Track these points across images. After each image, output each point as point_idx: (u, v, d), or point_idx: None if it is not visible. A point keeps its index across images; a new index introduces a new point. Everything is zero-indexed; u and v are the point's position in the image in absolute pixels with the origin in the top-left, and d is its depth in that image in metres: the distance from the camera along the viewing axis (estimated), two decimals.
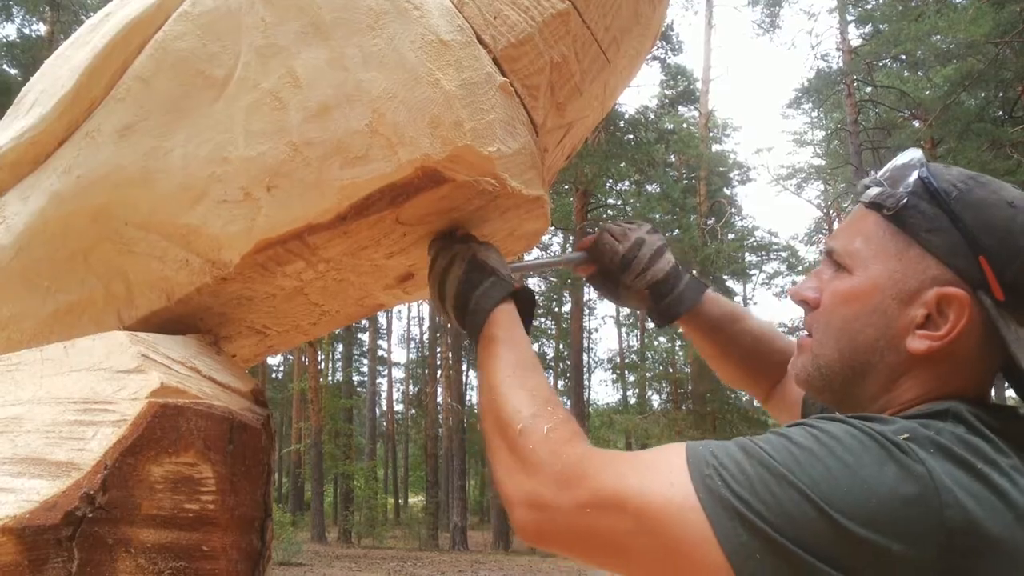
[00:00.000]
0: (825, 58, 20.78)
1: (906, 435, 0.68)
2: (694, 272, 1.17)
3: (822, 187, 27.19)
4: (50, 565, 0.74)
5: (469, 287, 0.95)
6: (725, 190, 23.81)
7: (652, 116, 20.29)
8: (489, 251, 0.98)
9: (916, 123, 17.62)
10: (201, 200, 0.92)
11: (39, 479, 0.76)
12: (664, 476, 0.70)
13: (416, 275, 1.15)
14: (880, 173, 0.83)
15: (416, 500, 46.12)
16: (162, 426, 0.83)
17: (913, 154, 0.81)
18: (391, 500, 38.39)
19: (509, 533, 23.87)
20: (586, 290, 18.24)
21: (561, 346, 28.43)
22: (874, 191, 0.80)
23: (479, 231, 1.08)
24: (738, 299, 25.75)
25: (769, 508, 0.65)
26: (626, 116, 18.61)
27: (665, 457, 0.73)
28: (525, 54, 1.00)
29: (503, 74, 0.98)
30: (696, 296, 1.13)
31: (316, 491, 23.89)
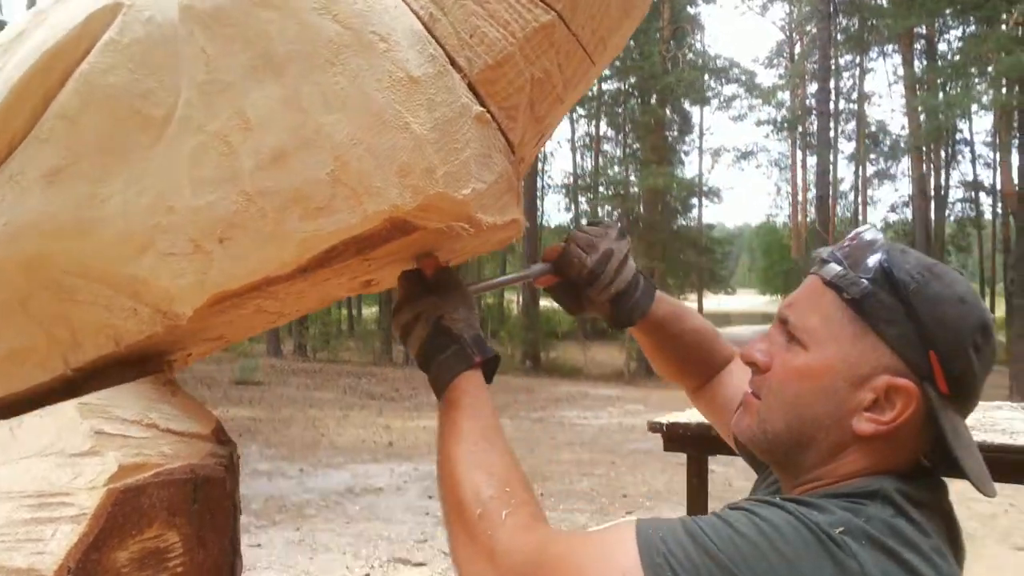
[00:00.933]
0: None
1: (841, 528, 0.71)
2: (645, 275, 1.14)
3: (788, 8, 26.37)
4: None
5: (432, 351, 0.92)
6: (689, 9, 22.92)
7: None
8: (456, 311, 0.93)
9: None
10: (146, 251, 0.84)
11: None
12: (619, 565, 0.72)
13: (380, 283, 1.10)
14: (839, 248, 0.84)
15: (369, 311, 47.10)
16: (124, 512, 0.79)
17: (875, 235, 0.83)
18: (344, 312, 39.15)
19: None
20: None
21: None
22: (834, 270, 0.82)
23: (450, 246, 1.02)
24: (695, 124, 25.55)
25: None
26: None
27: (619, 543, 0.73)
28: (504, 75, 0.90)
29: (479, 100, 0.89)
30: (649, 300, 1.13)
31: None
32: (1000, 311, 29.26)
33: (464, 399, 0.89)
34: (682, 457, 6.97)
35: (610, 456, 7.24)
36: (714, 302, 31.59)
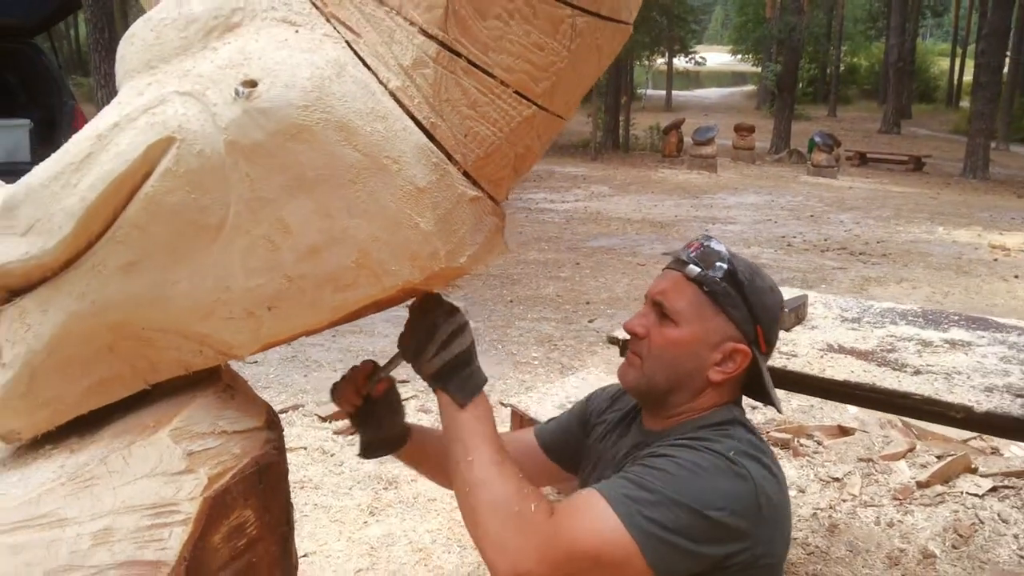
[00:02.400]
0: None
1: (732, 451, 1.08)
2: None
3: None
4: None
5: (461, 362, 1.12)
6: None
7: None
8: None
9: None
10: (210, 317, 1.05)
11: None
12: (605, 523, 1.02)
13: None
14: (693, 252, 1.21)
15: None
16: (215, 510, 1.08)
17: (719, 246, 1.22)
18: None
19: None
20: None
21: None
22: (695, 271, 1.18)
23: None
24: None
25: (671, 522, 1.01)
26: None
27: (600, 508, 1.04)
28: (493, 161, 1.08)
29: (472, 182, 1.07)
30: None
31: None
32: (970, 75, 29.28)
33: (487, 415, 1.12)
34: (641, 258, 7.37)
35: (574, 256, 7.64)
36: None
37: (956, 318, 2.30)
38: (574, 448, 1.41)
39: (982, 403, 1.65)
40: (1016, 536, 2.81)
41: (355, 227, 1.00)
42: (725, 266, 1.18)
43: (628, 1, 1.10)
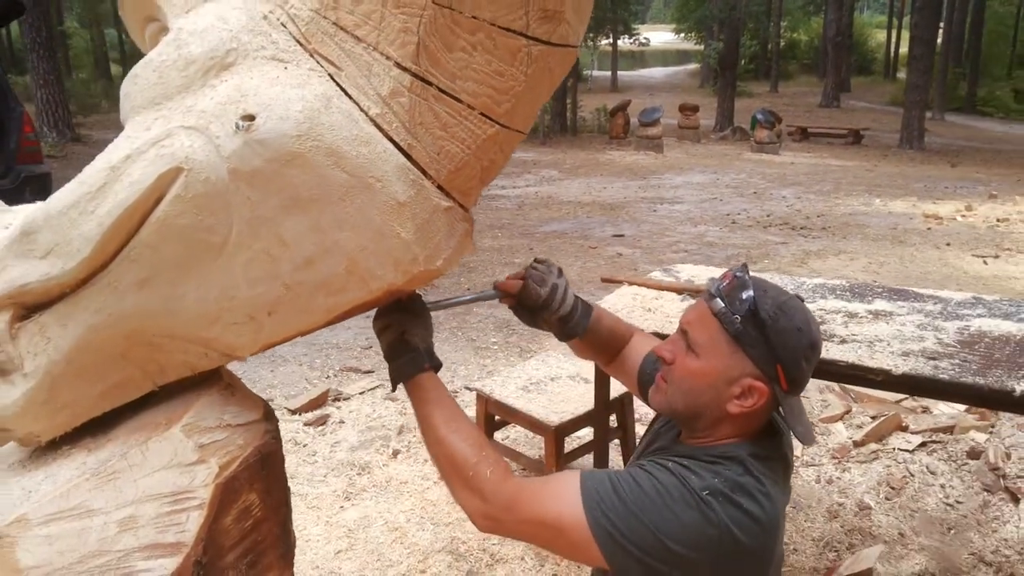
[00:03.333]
0: None
1: (706, 491, 1.15)
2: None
3: None
4: None
5: (393, 354, 1.30)
6: None
7: None
8: (416, 328, 1.31)
9: None
10: (215, 323, 1.18)
11: (163, 558, 1.15)
12: (568, 505, 1.18)
13: None
14: (721, 285, 1.25)
15: None
16: (227, 495, 1.21)
17: (747, 281, 1.24)
18: None
19: None
20: None
21: None
22: (719, 306, 1.23)
23: None
24: None
25: (627, 531, 1.14)
26: None
27: (568, 486, 1.20)
28: (462, 174, 1.22)
29: (445, 194, 1.21)
30: (586, 320, 1.51)
31: None
32: (906, 47, 30.02)
33: (431, 393, 1.29)
34: (592, 241, 7.51)
35: (527, 241, 7.79)
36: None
37: (880, 290, 2.51)
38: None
39: (899, 366, 1.85)
40: (943, 486, 3.06)
41: (345, 239, 1.13)
42: (748, 305, 1.19)
43: (576, 28, 1.24)
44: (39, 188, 6.76)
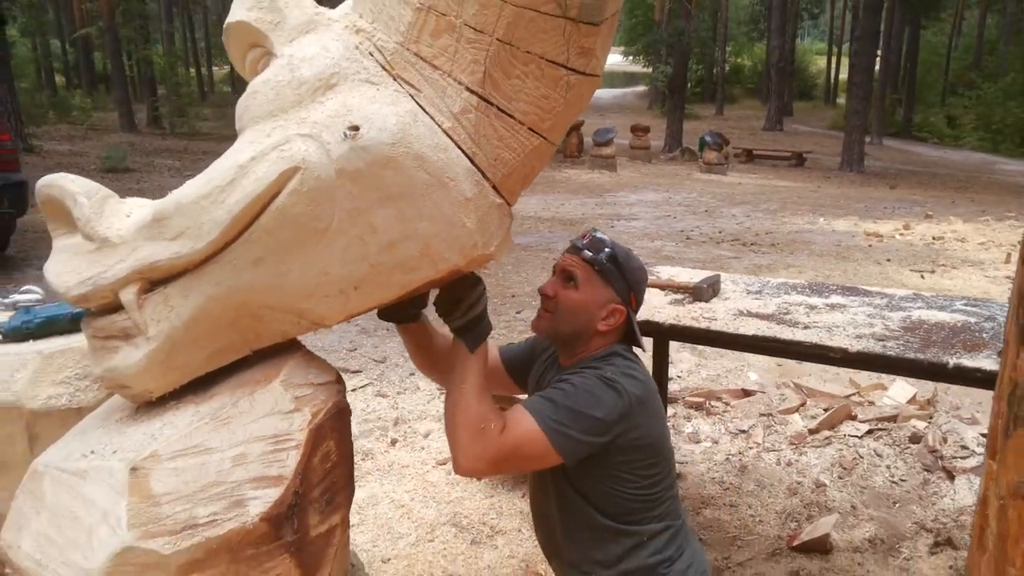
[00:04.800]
0: None
1: (610, 374, 1.56)
2: None
3: None
4: (283, 530, 1.42)
5: (481, 318, 1.59)
6: None
7: None
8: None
9: None
10: (311, 296, 1.44)
11: (267, 488, 1.40)
12: (529, 427, 1.51)
13: None
14: (586, 240, 1.68)
15: (221, 72, 44.54)
16: (316, 439, 1.46)
17: (604, 236, 1.70)
18: (192, 71, 36.96)
19: None
20: None
21: None
22: (588, 254, 1.65)
23: None
24: None
25: (570, 423, 1.49)
26: None
27: (525, 418, 1.52)
28: (512, 178, 1.50)
29: (498, 193, 1.50)
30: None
31: (119, 79, 22.74)
32: (845, 73, 31.14)
33: (483, 357, 1.58)
34: (556, 254, 7.79)
35: None
36: None
37: (834, 288, 2.86)
38: (524, 370, 1.91)
39: (854, 346, 2.18)
40: (888, 467, 3.42)
41: (423, 227, 1.40)
42: (608, 251, 1.66)
43: (601, 62, 1.54)
44: (15, 196, 6.81)
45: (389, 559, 2.61)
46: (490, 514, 2.94)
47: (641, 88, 44.33)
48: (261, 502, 1.38)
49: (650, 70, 32.19)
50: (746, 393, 4.22)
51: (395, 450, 3.44)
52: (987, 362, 2.03)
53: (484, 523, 2.88)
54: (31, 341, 2.17)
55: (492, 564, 2.63)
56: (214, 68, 43.51)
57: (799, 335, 2.27)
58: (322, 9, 1.50)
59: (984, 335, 2.27)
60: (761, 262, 8.21)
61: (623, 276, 1.66)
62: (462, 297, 1.58)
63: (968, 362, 2.03)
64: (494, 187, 1.48)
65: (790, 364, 4.70)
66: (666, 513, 1.65)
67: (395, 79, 1.43)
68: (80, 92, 30.45)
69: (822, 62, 45.31)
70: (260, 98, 1.41)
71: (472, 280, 1.58)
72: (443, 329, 1.78)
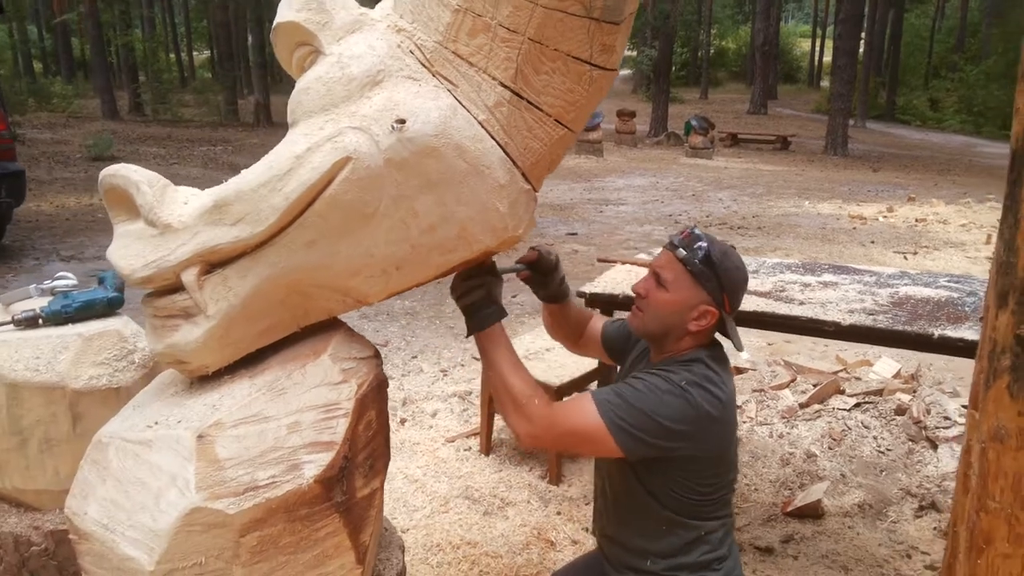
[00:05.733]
0: None
1: (684, 382, 1.57)
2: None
3: None
4: (334, 492, 1.55)
5: (480, 307, 1.66)
6: None
7: None
8: (497, 287, 1.69)
9: None
10: (357, 275, 1.56)
11: (320, 453, 1.52)
12: (590, 416, 1.58)
13: None
14: (681, 237, 1.68)
15: (201, 58, 44.19)
16: (361, 408, 1.59)
17: (699, 233, 1.67)
18: (172, 56, 36.68)
19: None
20: None
21: None
22: (681, 253, 1.65)
23: None
24: None
25: (633, 421, 1.53)
26: None
27: (588, 405, 1.59)
28: (539, 166, 1.63)
29: (526, 179, 1.62)
30: (567, 291, 1.95)
31: (100, 66, 22.54)
32: (829, 56, 31.23)
33: (502, 339, 1.66)
34: (548, 239, 7.90)
35: None
36: None
37: (826, 267, 3.02)
38: (620, 350, 1.98)
39: (846, 320, 2.33)
40: (875, 437, 3.60)
41: (460, 211, 1.53)
42: (703, 251, 1.63)
43: (619, 57, 1.66)
44: (13, 185, 6.84)
45: (407, 529, 2.75)
46: (500, 487, 3.08)
47: (625, 72, 44.38)
48: (315, 465, 1.50)
49: (635, 54, 32.22)
50: (739, 371, 4.38)
51: (405, 429, 3.58)
52: (969, 332, 2.19)
53: (495, 495, 3.02)
54: (70, 324, 2.26)
55: (505, 532, 2.77)
56: (194, 53, 43.14)
57: (795, 310, 2.42)
58: (365, 10, 1.61)
59: (966, 308, 2.44)
60: (749, 245, 8.38)
61: (716, 277, 1.62)
62: (455, 286, 1.68)
63: (952, 333, 2.19)
64: (523, 174, 1.61)
65: (779, 343, 4.86)
66: (724, 513, 1.70)
67: (434, 75, 1.55)
68: (59, 79, 30.16)
69: (806, 44, 45.49)
70: (312, 94, 1.52)
71: (466, 273, 1.68)
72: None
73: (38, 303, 2.31)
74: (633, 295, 1.76)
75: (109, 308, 2.33)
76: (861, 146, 20.77)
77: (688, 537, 1.66)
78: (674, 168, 15.49)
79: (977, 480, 1.14)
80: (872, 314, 2.40)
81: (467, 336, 1.69)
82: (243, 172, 1.54)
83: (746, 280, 1.69)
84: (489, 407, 3.34)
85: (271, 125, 22.42)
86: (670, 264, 1.67)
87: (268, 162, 1.50)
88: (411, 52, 1.56)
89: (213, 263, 1.54)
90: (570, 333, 2.04)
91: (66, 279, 2.45)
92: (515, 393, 1.61)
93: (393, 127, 1.45)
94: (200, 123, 22.14)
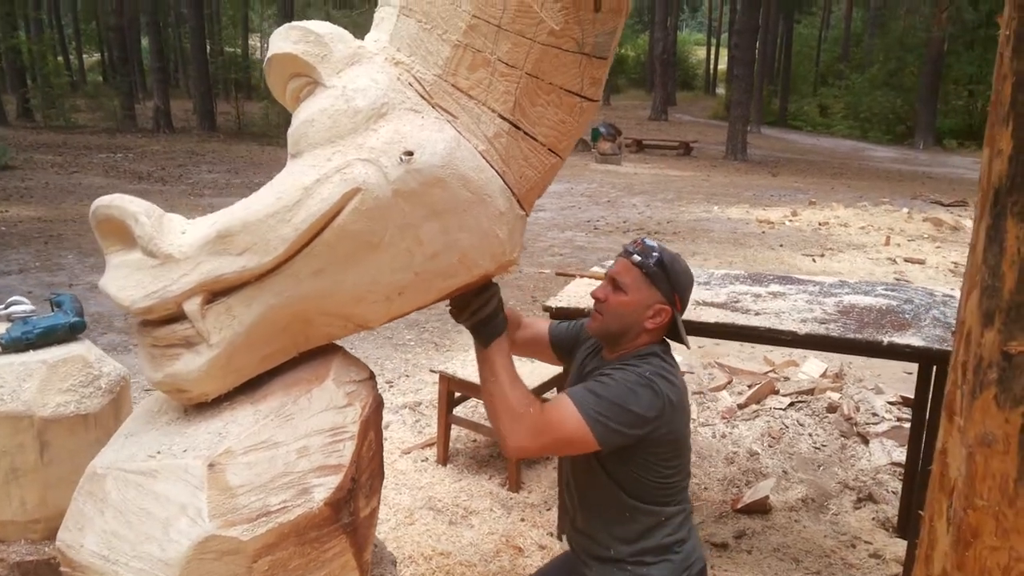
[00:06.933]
0: None
1: (649, 373, 1.72)
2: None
3: None
4: (341, 513, 1.58)
5: (492, 316, 1.73)
6: None
7: None
8: (500, 300, 1.76)
9: None
10: (360, 302, 1.60)
11: (328, 476, 1.55)
12: (572, 419, 1.66)
13: None
14: (635, 246, 1.83)
15: (92, 59, 42.30)
16: (365, 429, 1.62)
17: (652, 243, 1.84)
18: (60, 60, 35.04)
19: (214, 116, 23.61)
20: None
21: None
22: (636, 258, 1.80)
23: None
24: None
25: (610, 414, 1.65)
26: None
27: (568, 409, 1.67)
28: (533, 192, 1.70)
29: (521, 206, 1.69)
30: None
31: None
32: (723, 64, 32.28)
33: (505, 347, 1.73)
34: None
35: None
36: None
37: (771, 277, 3.20)
38: (568, 349, 2.09)
39: (802, 329, 2.49)
40: (811, 434, 3.82)
41: (462, 238, 1.58)
42: (656, 256, 1.80)
43: (602, 91, 1.75)
44: None
45: (376, 545, 2.77)
46: (461, 496, 3.13)
47: None
48: (324, 488, 1.54)
49: None
50: None
51: None
52: (915, 339, 2.38)
53: (457, 505, 3.07)
54: (30, 351, 2.21)
55: (475, 541, 2.82)
56: (83, 56, 41.31)
57: (753, 321, 2.57)
58: (362, 43, 1.65)
59: (907, 316, 2.64)
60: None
61: (668, 279, 1.79)
62: (469, 302, 1.73)
63: (899, 339, 2.38)
64: (518, 201, 1.68)
65: (708, 346, 5.07)
66: (682, 498, 1.85)
67: (434, 107, 1.60)
68: None
69: (701, 53, 47.01)
70: (318, 126, 1.55)
71: (479, 288, 1.73)
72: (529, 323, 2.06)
73: None
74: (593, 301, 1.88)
75: (71, 333, 2.28)
76: (759, 151, 21.62)
77: (650, 523, 1.79)
78: (586, 174, 15.79)
79: (964, 481, 1.27)
80: (824, 323, 2.57)
81: (486, 346, 1.73)
82: (244, 202, 1.55)
83: (692, 282, 1.88)
84: (447, 418, 3.38)
85: (172, 131, 21.70)
86: (626, 270, 1.81)
87: (275, 192, 1.52)
88: (410, 84, 1.61)
89: (216, 292, 1.54)
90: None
91: (21, 304, 2.38)
92: (514, 404, 1.68)
93: (401, 159, 1.50)
94: (95, 129, 21.24)
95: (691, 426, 3.86)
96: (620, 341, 1.84)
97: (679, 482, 1.82)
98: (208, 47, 24.90)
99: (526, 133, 1.64)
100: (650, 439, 1.71)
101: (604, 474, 1.80)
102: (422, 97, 1.61)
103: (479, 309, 1.73)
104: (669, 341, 1.90)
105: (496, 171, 1.61)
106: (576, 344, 2.08)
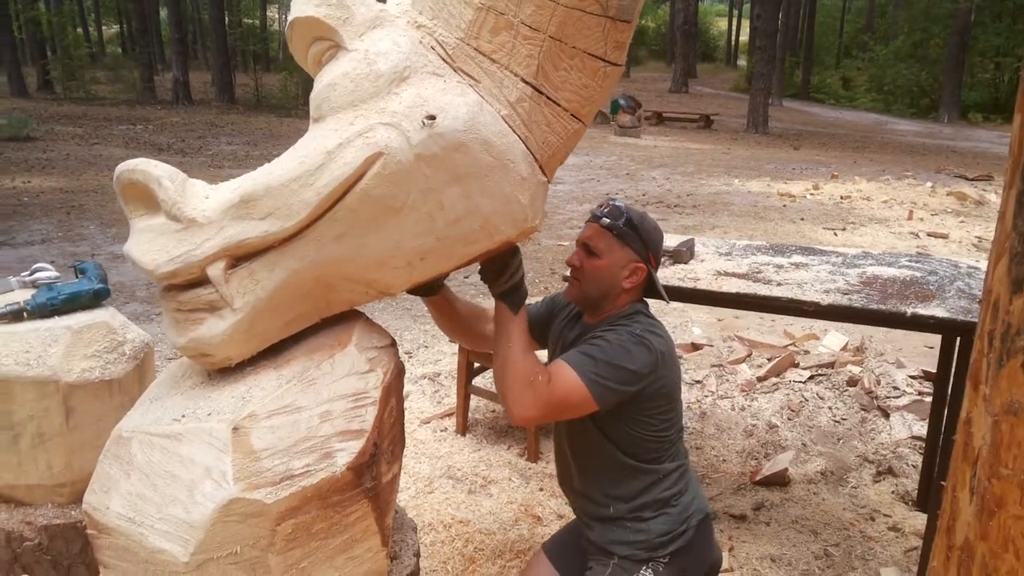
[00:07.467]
0: None
1: (639, 330, 1.75)
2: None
3: None
4: (364, 478, 1.59)
5: (521, 283, 1.75)
6: None
7: None
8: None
9: None
10: (382, 267, 1.60)
11: (351, 441, 1.56)
12: (573, 384, 1.68)
13: None
14: (603, 209, 1.85)
15: (111, 31, 42.38)
16: (387, 395, 1.63)
17: (621, 203, 1.85)
18: (80, 31, 35.13)
19: (233, 88, 23.62)
20: None
21: None
22: (606, 221, 1.82)
23: None
24: None
25: (607, 374, 1.67)
26: None
27: (570, 373, 1.69)
28: (555, 158, 1.69)
29: (543, 172, 1.68)
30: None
31: (7, 41, 21.45)
32: (744, 35, 31.82)
33: (524, 315, 1.75)
34: None
35: None
36: None
37: (793, 248, 3.17)
38: (543, 327, 2.09)
39: (824, 299, 2.47)
40: (830, 407, 3.80)
41: (484, 204, 1.57)
42: (624, 216, 1.83)
43: (625, 55, 1.72)
44: None
45: (396, 511, 2.79)
46: (480, 466, 3.15)
47: None
48: (347, 453, 1.54)
49: None
50: (695, 347, 4.55)
51: None
52: (939, 310, 2.36)
53: (476, 474, 3.09)
54: (55, 317, 2.22)
55: (493, 510, 2.85)
56: (103, 27, 41.37)
57: (775, 291, 2.55)
58: (383, 6, 1.63)
59: (931, 287, 2.61)
60: (687, 223, 8.60)
61: (640, 237, 1.82)
62: (507, 264, 1.73)
63: (923, 311, 2.35)
64: (541, 167, 1.66)
65: (728, 319, 5.05)
66: (677, 453, 1.88)
67: (456, 71, 1.59)
68: None
69: (723, 23, 46.40)
70: (340, 90, 1.54)
71: (513, 250, 1.74)
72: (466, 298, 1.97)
73: (20, 296, 2.26)
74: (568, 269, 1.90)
75: (95, 300, 2.29)
76: (780, 124, 21.38)
77: (648, 480, 1.82)
78: (605, 147, 15.69)
79: (988, 450, 1.26)
80: (847, 293, 2.55)
81: (516, 312, 1.74)
82: (266, 167, 1.55)
83: (663, 237, 1.91)
84: (466, 388, 3.40)
85: (191, 103, 21.73)
86: (598, 234, 1.83)
87: (298, 157, 1.52)
88: (432, 48, 1.59)
89: (239, 257, 1.54)
90: (458, 326, 2.09)
91: (46, 271, 2.40)
92: (526, 372, 1.68)
93: (424, 123, 1.49)
94: (115, 101, 21.32)
95: (711, 398, 3.86)
96: (601, 304, 1.86)
97: (673, 436, 1.85)
98: (227, 18, 24.84)
99: (549, 98, 1.62)
100: (645, 394, 1.74)
101: (599, 434, 1.83)
102: (444, 61, 1.59)
103: (515, 273, 1.74)
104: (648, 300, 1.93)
105: (518, 136, 1.60)
106: (551, 317, 2.09)
